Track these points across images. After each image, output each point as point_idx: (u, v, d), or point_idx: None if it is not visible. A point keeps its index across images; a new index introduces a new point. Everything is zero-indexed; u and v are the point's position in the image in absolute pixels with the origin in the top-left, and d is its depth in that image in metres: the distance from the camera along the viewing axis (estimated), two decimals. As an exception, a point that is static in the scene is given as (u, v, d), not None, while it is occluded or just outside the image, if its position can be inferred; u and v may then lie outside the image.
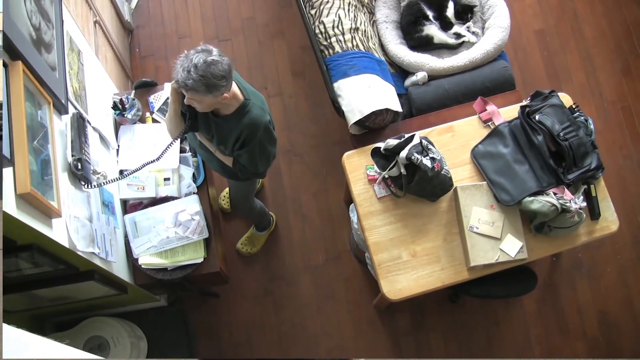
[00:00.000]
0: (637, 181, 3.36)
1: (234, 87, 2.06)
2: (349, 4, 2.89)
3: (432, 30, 3.03)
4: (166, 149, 2.15)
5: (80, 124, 2.11)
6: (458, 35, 3.08)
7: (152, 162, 2.17)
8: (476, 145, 2.63)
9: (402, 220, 2.52)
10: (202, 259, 2.51)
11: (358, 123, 2.68)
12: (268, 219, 3.11)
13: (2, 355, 1.06)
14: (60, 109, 2.01)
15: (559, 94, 2.61)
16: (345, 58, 2.74)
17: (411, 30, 3.05)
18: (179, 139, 2.22)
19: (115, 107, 2.62)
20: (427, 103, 2.86)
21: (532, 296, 3.10)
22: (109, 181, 2.19)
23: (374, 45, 2.96)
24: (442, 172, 2.40)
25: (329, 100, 2.81)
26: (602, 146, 3.09)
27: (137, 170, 2.18)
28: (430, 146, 2.44)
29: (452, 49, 3.07)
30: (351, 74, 2.69)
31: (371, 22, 3.10)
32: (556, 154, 2.50)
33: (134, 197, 2.57)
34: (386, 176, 2.51)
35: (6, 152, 1.55)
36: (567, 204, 2.36)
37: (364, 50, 2.79)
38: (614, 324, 3.12)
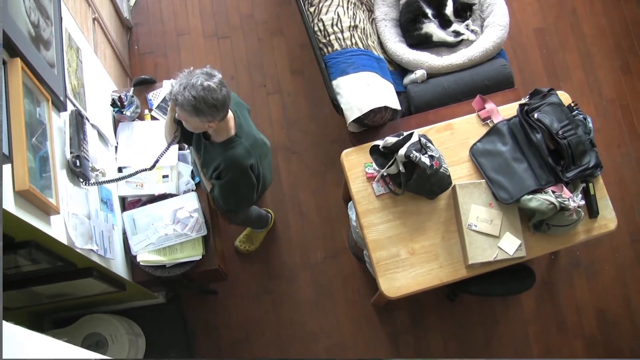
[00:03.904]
0: (636, 179, 3.36)
1: (229, 120, 2.08)
2: (348, 1, 2.88)
3: (431, 28, 3.02)
4: (160, 156, 2.19)
5: (78, 121, 2.11)
6: (457, 33, 3.08)
7: (145, 170, 2.21)
8: (475, 143, 2.63)
9: (401, 218, 2.52)
10: (200, 256, 2.51)
11: (357, 121, 2.68)
12: (265, 219, 3.11)
13: (2, 354, 1.06)
14: (59, 106, 2.01)
15: (557, 92, 2.61)
16: (344, 56, 2.74)
17: (410, 28, 3.05)
18: (171, 146, 2.24)
19: (114, 104, 2.61)
20: (425, 101, 2.86)
21: (530, 294, 3.11)
22: (105, 181, 2.21)
23: (373, 43, 2.95)
24: (441, 170, 2.40)
25: (327, 98, 2.81)
26: (601, 144, 3.11)
27: (130, 175, 2.24)
28: (429, 144, 2.43)
29: (451, 47, 3.07)
30: (350, 72, 2.68)
31: (370, 19, 3.10)
32: (555, 152, 2.50)
33: (132, 194, 2.57)
34: (385, 174, 2.51)
35: (4, 149, 1.55)
36: (566, 202, 2.36)
37: (363, 48, 2.79)
38: (612, 322, 3.13)
